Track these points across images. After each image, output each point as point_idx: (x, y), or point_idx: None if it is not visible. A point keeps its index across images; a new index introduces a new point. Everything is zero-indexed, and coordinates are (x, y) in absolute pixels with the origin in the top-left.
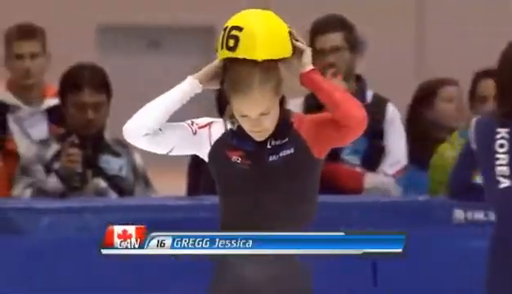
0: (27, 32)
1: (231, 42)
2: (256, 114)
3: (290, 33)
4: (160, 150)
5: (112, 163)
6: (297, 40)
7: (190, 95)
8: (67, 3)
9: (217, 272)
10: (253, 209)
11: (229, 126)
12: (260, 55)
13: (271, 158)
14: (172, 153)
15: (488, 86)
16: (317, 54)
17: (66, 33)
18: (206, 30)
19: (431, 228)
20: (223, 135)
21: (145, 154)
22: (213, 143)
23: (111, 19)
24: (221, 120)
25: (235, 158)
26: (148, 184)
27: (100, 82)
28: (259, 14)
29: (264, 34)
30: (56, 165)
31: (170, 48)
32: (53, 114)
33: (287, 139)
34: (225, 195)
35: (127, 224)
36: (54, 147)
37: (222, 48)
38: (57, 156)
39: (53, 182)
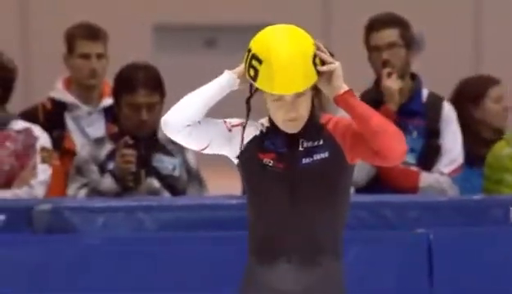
0: (93, 32)
1: (252, 72)
2: (291, 94)
3: (315, 56)
4: (197, 145)
5: (165, 163)
6: (323, 61)
7: (228, 90)
8: (123, 3)
9: (246, 278)
10: (288, 214)
11: (260, 127)
12: (279, 90)
13: (304, 161)
14: (207, 151)
15: None
16: (372, 51)
17: (122, 32)
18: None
19: (487, 227)
20: (254, 137)
21: (199, 153)
22: (245, 143)
23: (167, 18)
24: (252, 122)
25: (267, 160)
26: (201, 184)
27: (153, 82)
28: (282, 38)
29: (283, 70)
30: (110, 165)
31: (226, 47)
32: (110, 113)
33: (321, 142)
34: (256, 199)
35: (181, 223)
36: (108, 147)
37: (246, 71)
38: (111, 156)
39: (108, 182)
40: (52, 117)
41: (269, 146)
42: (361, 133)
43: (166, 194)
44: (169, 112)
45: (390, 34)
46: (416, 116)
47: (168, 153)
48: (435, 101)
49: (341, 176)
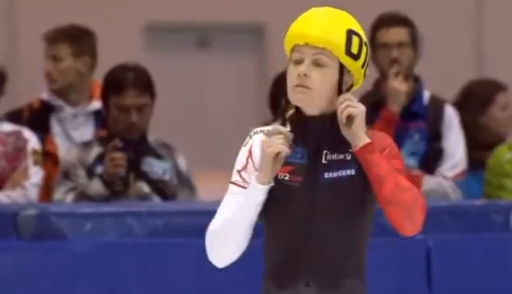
0: (54, 35)
1: (284, 34)
2: (311, 54)
3: (354, 33)
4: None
5: (155, 167)
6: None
7: (263, 197)
8: (112, 1)
9: None
10: (306, 234)
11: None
12: (296, 32)
13: (326, 175)
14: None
15: None
16: (379, 48)
17: (111, 31)
18: (258, 29)
19: (488, 233)
20: None
21: (191, 157)
22: (256, 167)
23: (158, 17)
24: (258, 136)
25: (282, 174)
26: (192, 188)
27: (143, 83)
28: (327, 8)
29: (309, 15)
30: (99, 169)
31: (221, 48)
32: (100, 117)
33: (349, 156)
34: (272, 219)
35: (171, 229)
36: (96, 150)
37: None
38: (100, 159)
39: (96, 186)
40: (37, 118)
41: (288, 157)
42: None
43: (156, 199)
44: (212, 252)
45: (400, 33)
46: (418, 119)
47: (159, 156)
48: (437, 104)
49: (366, 197)
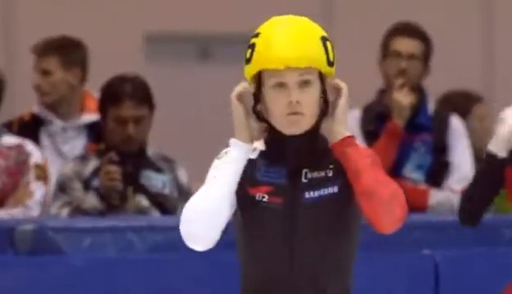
0: (43, 48)
1: (248, 53)
2: (295, 77)
3: (326, 39)
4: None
5: (154, 180)
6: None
7: (246, 158)
8: (111, 10)
9: None
10: (288, 256)
11: (259, 148)
12: (277, 62)
13: (307, 195)
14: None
15: None
16: (390, 56)
17: (111, 42)
18: None
19: (497, 248)
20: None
21: (191, 170)
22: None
23: (159, 27)
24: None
25: (260, 195)
26: None
27: (141, 94)
28: (289, 18)
29: (284, 36)
30: (96, 182)
31: (222, 59)
32: (93, 131)
33: (330, 173)
34: (250, 240)
35: (172, 244)
36: (93, 163)
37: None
38: (97, 173)
39: (92, 200)
40: (26, 131)
41: (262, 177)
42: None
43: (155, 213)
44: (185, 223)
45: (414, 44)
46: (423, 131)
47: (158, 169)
48: (442, 115)
49: (351, 215)
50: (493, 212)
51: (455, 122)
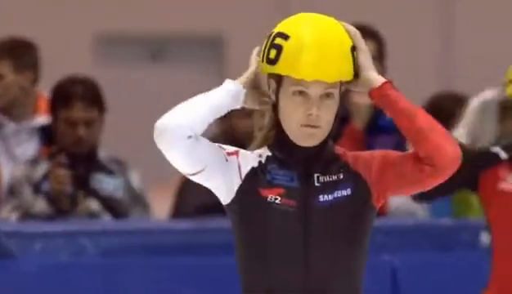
0: None
1: (272, 54)
2: (321, 89)
3: (354, 48)
4: (191, 166)
5: (105, 183)
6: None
7: (234, 104)
8: (60, 10)
9: None
10: (301, 261)
11: (258, 158)
12: (308, 73)
13: (321, 198)
14: (198, 177)
15: None
16: None
17: (60, 42)
18: (215, 39)
19: (456, 252)
20: (253, 169)
21: (145, 173)
22: (243, 177)
23: (109, 27)
24: (246, 152)
25: (273, 196)
26: (146, 206)
27: (91, 96)
28: (316, 17)
29: (316, 47)
30: (46, 186)
31: (175, 60)
32: (45, 133)
33: (341, 176)
34: (258, 244)
35: (125, 248)
36: (44, 167)
37: (262, 60)
38: (47, 176)
39: (41, 204)
40: None
41: (274, 180)
42: (394, 158)
43: (106, 217)
44: (165, 116)
45: (368, 46)
46: (383, 133)
47: (109, 172)
48: None
49: (365, 219)
50: (452, 216)
51: None
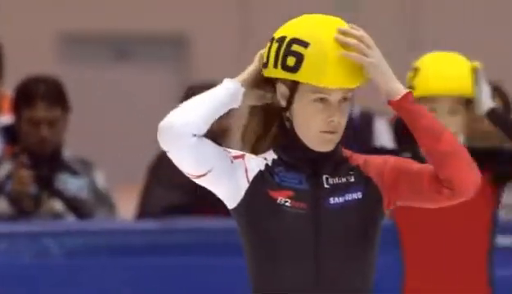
0: None
1: (291, 61)
2: (340, 93)
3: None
4: (196, 168)
5: (70, 184)
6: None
7: (232, 103)
8: (24, 8)
9: None
10: (312, 264)
11: (265, 161)
12: (332, 82)
13: (332, 201)
14: (202, 180)
15: None
16: None
17: (24, 41)
18: (180, 39)
19: None
20: (260, 172)
21: (110, 173)
22: (251, 179)
23: (74, 26)
24: (251, 156)
25: (282, 199)
26: (111, 206)
27: (55, 95)
28: (329, 21)
29: (338, 55)
30: (9, 186)
31: (140, 60)
32: (9, 132)
33: (352, 179)
34: (267, 247)
35: (89, 249)
36: (7, 167)
37: (275, 65)
38: (10, 177)
39: (1, 205)
40: None
41: (283, 182)
42: (409, 169)
43: (71, 218)
44: (169, 116)
45: None
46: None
47: (74, 172)
48: (367, 118)
49: (375, 221)
50: None
51: (378, 124)
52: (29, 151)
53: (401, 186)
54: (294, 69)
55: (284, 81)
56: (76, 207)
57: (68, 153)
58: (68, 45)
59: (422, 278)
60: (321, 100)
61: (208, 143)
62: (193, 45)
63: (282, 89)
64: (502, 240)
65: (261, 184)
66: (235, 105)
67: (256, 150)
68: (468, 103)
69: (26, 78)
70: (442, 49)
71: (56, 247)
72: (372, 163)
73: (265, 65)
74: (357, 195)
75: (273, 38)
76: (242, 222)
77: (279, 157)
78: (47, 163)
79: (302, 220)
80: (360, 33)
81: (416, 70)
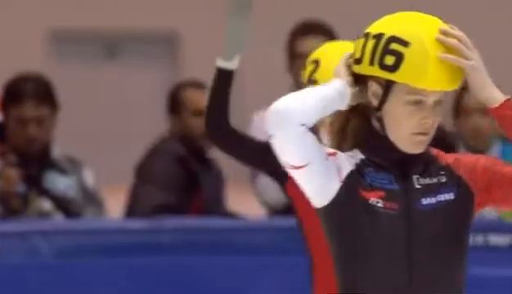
0: None
1: (390, 60)
2: (436, 96)
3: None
4: (297, 158)
5: (58, 182)
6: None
7: (341, 103)
8: (15, 7)
9: None
10: (404, 268)
11: (354, 160)
12: (433, 84)
13: (425, 202)
14: (299, 173)
15: None
16: (296, 58)
17: (12, 38)
18: (169, 38)
19: None
20: (351, 172)
21: (99, 172)
22: (343, 179)
23: (63, 23)
24: (341, 154)
25: (374, 199)
26: (100, 205)
27: (43, 93)
28: (429, 22)
29: (437, 56)
30: None
31: (130, 57)
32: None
33: (444, 179)
34: (358, 249)
35: (79, 249)
36: None
37: (371, 63)
38: None
39: None
40: None
41: (374, 182)
42: (498, 172)
43: (59, 217)
44: (280, 101)
45: (318, 43)
46: None
47: (63, 171)
48: None
49: (466, 224)
50: None
51: None
52: (17, 150)
53: (495, 189)
54: (393, 69)
55: (378, 79)
56: (64, 206)
57: (56, 151)
58: (58, 43)
59: None
60: (416, 101)
61: (311, 136)
62: (183, 43)
63: (374, 88)
64: (497, 239)
65: (353, 184)
66: (342, 106)
67: (341, 149)
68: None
69: (14, 77)
70: None
71: (45, 246)
72: (463, 162)
73: (358, 61)
74: (449, 196)
75: (368, 34)
76: (331, 221)
77: (367, 157)
78: (35, 162)
79: (394, 221)
80: (460, 33)
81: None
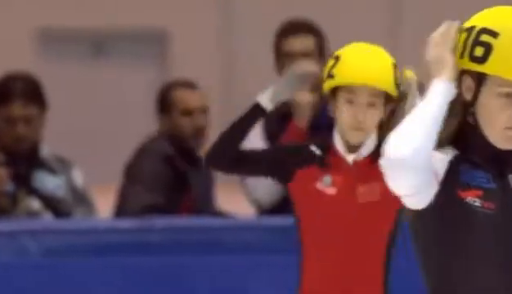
0: None
1: (479, 51)
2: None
3: None
4: (411, 191)
5: (47, 182)
6: None
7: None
8: (2, 5)
9: None
10: (506, 267)
11: (449, 157)
12: None
13: None
14: (409, 199)
15: None
16: (283, 58)
17: (2, 38)
18: (158, 36)
19: None
20: (446, 172)
21: (88, 171)
22: (440, 181)
23: (51, 22)
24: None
25: (471, 198)
26: (89, 205)
27: (31, 92)
28: None
29: None
30: None
31: (117, 56)
32: None
33: None
34: (458, 250)
35: (68, 248)
36: None
37: (462, 56)
38: None
39: None
40: None
41: (471, 181)
42: None
43: (47, 216)
44: (396, 145)
45: (305, 41)
46: (324, 130)
47: (51, 170)
48: None
49: None
50: None
51: None
52: (5, 149)
53: None
54: (482, 60)
55: (470, 73)
56: (53, 205)
57: (45, 151)
58: (46, 42)
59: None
60: (508, 94)
61: (429, 159)
62: (172, 42)
63: (468, 81)
64: None
65: (449, 184)
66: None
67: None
68: (387, 98)
69: (3, 76)
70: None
71: (34, 245)
72: None
73: None
74: None
75: (462, 28)
76: (427, 224)
77: (462, 154)
78: (23, 161)
79: (491, 221)
80: None
81: (337, 59)
